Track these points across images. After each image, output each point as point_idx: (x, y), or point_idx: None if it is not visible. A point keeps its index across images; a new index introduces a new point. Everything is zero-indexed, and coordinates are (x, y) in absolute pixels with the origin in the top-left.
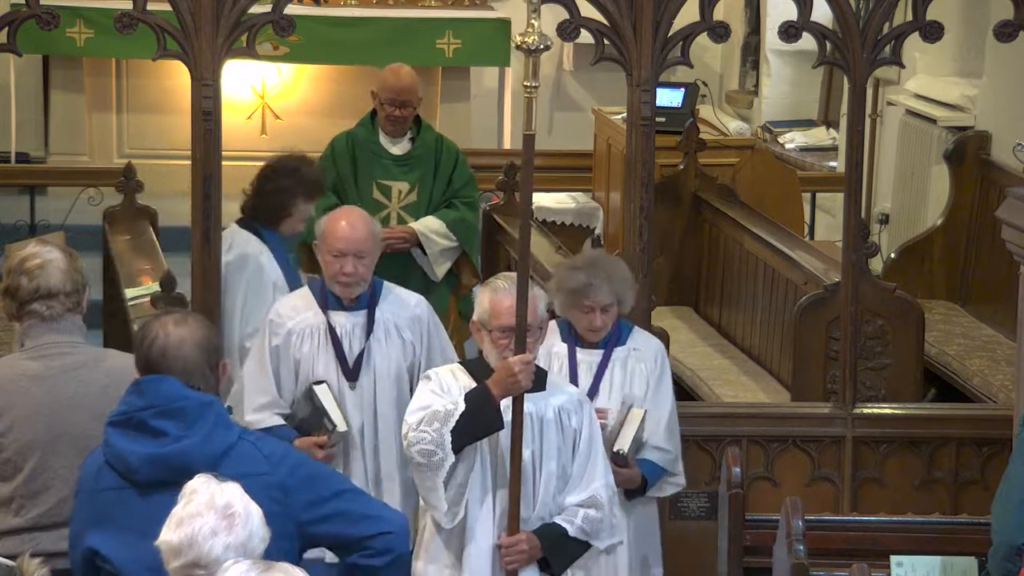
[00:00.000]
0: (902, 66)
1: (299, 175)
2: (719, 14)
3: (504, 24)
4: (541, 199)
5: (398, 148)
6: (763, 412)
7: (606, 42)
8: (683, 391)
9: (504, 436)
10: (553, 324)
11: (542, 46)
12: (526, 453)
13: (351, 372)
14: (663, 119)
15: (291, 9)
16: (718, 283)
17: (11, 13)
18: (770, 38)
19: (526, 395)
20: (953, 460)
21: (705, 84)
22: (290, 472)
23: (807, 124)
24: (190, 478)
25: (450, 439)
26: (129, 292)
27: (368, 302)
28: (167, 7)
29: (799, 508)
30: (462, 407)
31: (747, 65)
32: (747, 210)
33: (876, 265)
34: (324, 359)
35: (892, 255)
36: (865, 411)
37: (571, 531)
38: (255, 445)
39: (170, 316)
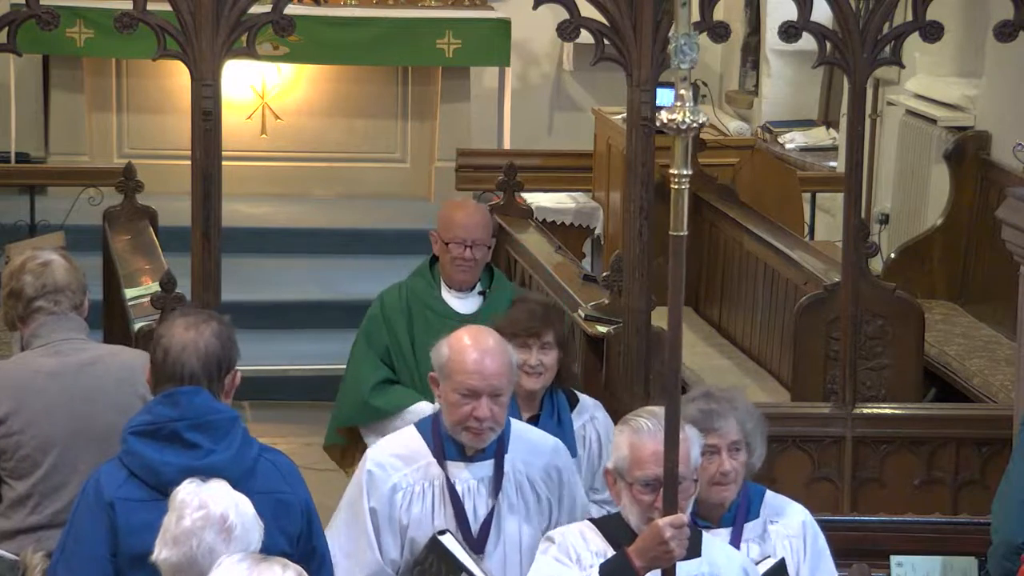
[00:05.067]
0: (902, 66)
1: None
2: (719, 14)
3: (504, 24)
4: (540, 199)
5: (465, 305)
6: (763, 412)
7: (606, 42)
8: (683, 391)
9: None
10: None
11: (695, 125)
12: None
13: (476, 542)
14: (666, 120)
15: (291, 9)
16: (718, 283)
17: (11, 13)
18: (770, 38)
19: (677, 565)
20: (953, 460)
21: (705, 84)
22: (303, 494)
23: (807, 124)
24: None
25: None
26: (129, 292)
27: (495, 450)
28: (167, 7)
29: None
30: None
31: (747, 65)
32: (747, 210)
33: (876, 265)
34: (440, 525)
35: (892, 255)
36: (865, 411)
37: None
38: (273, 463)
39: (183, 319)
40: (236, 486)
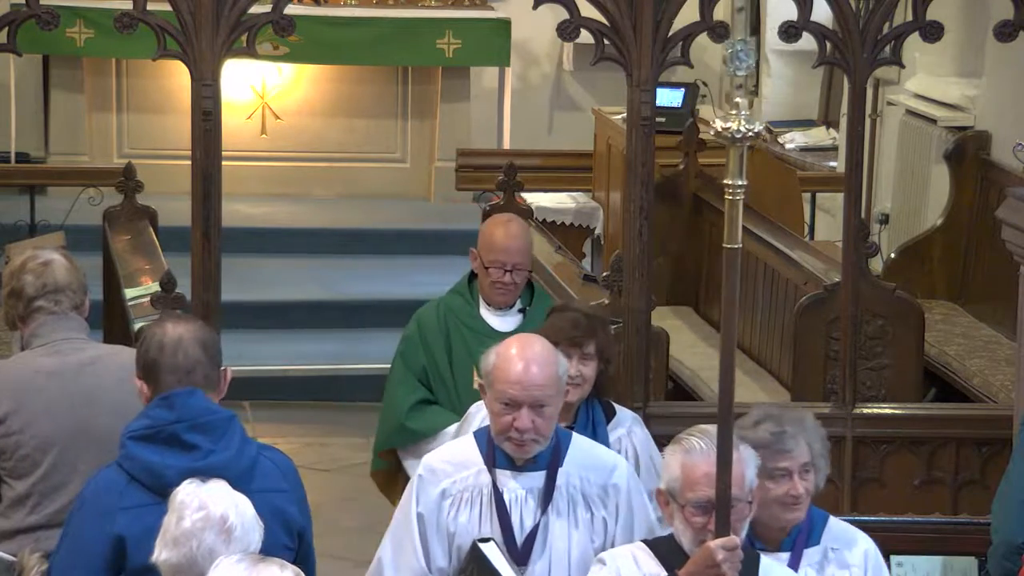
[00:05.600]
0: (902, 66)
1: None
2: (719, 14)
3: (504, 24)
4: (540, 199)
5: (505, 323)
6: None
7: (606, 42)
8: (683, 391)
9: None
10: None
11: (751, 133)
12: None
13: (520, 553)
14: (663, 119)
15: (291, 9)
16: (718, 283)
17: (12, 13)
18: (770, 38)
19: None
20: (953, 460)
21: (705, 84)
22: (302, 493)
23: (807, 124)
24: None
25: None
26: (129, 292)
27: (548, 461)
28: (167, 7)
29: None
30: None
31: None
32: (747, 210)
33: (876, 265)
34: (486, 533)
35: (892, 255)
36: (865, 411)
37: None
38: (272, 462)
39: (168, 317)
40: (236, 486)
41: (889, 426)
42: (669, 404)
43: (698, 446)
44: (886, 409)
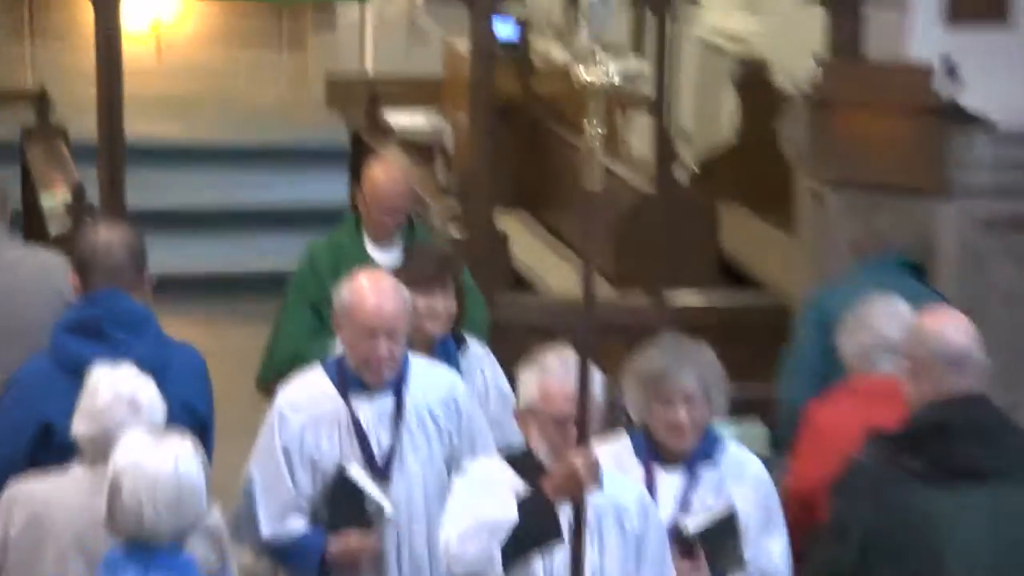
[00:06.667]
0: (695, 2)
1: None
2: None
3: None
4: (399, 119)
5: (388, 259)
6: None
7: None
8: (523, 283)
9: (562, 549)
10: (626, 441)
11: (610, 82)
12: (587, 567)
13: (380, 472)
14: (502, 49)
15: None
16: (551, 192)
17: None
18: None
19: None
20: (749, 342)
21: (535, 21)
22: (207, 382)
23: (621, 54)
24: None
25: (499, 555)
26: (46, 201)
27: (395, 386)
28: None
29: None
30: (513, 515)
31: (570, 2)
32: (573, 128)
33: (681, 176)
34: (346, 457)
35: (694, 168)
36: (677, 302)
37: None
38: (185, 356)
39: (103, 223)
40: (155, 375)
41: (696, 316)
42: (514, 295)
43: (554, 365)
44: (693, 299)
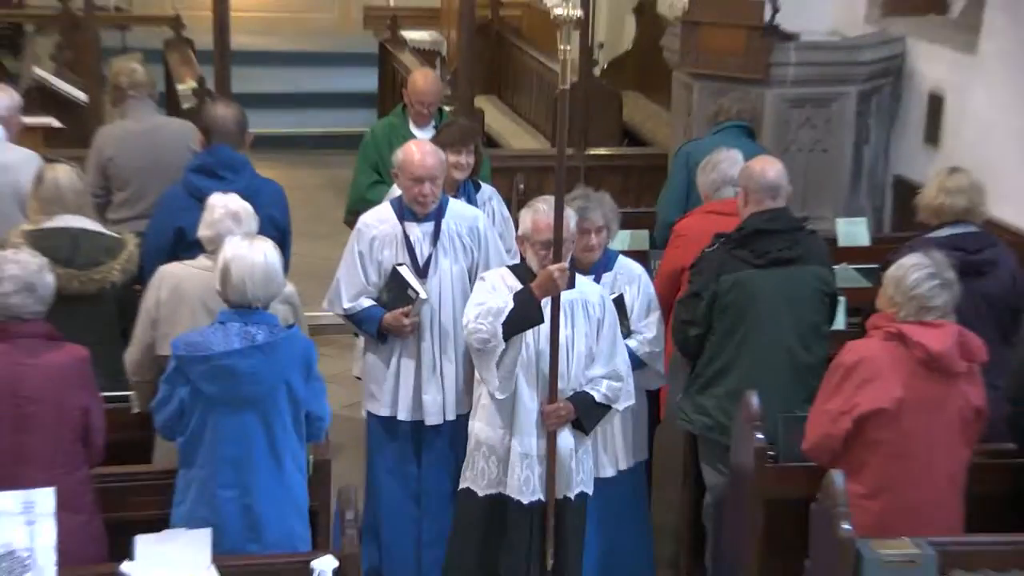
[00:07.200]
0: None
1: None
2: None
3: None
4: (410, 35)
5: (424, 134)
6: (538, 154)
7: None
8: (493, 142)
9: (544, 326)
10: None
11: (574, 16)
12: (560, 338)
13: (422, 271)
14: None
15: None
16: (511, 82)
17: None
18: None
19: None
20: (637, 179)
21: None
22: (285, 204)
23: None
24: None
25: (501, 330)
26: (180, 87)
27: (436, 215)
28: None
29: None
30: (511, 305)
31: None
32: (527, 40)
33: (598, 72)
34: (399, 260)
35: (605, 65)
36: (592, 152)
37: (598, 398)
38: (270, 186)
39: (217, 103)
40: (250, 200)
41: (603, 160)
42: (489, 150)
43: (542, 208)
44: (602, 151)
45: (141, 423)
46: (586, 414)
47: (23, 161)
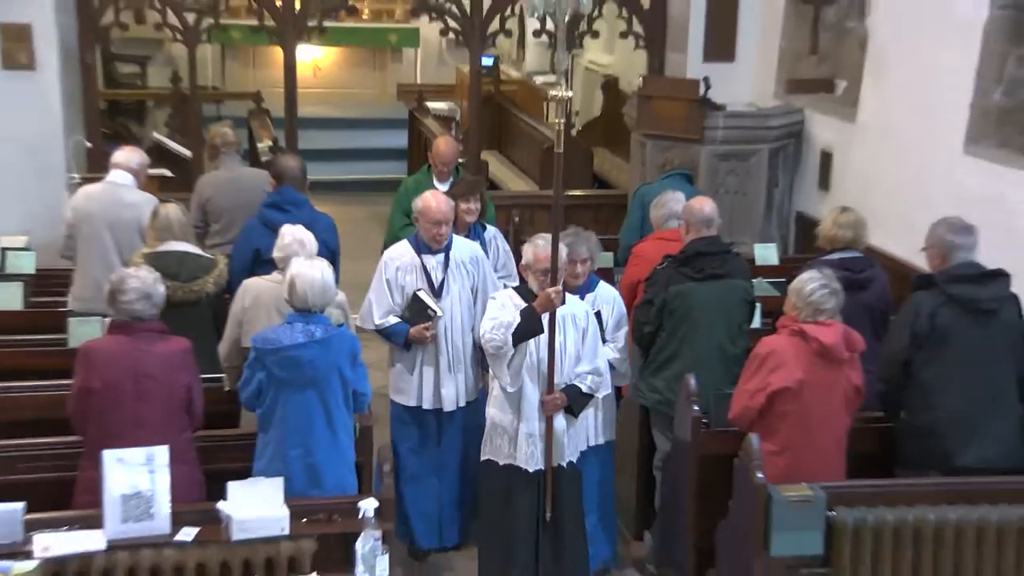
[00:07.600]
0: (582, 47)
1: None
2: (511, 23)
3: (416, 30)
4: (432, 105)
5: (444, 186)
6: (529, 194)
7: (454, 25)
8: (495, 187)
9: (543, 336)
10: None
11: (567, 97)
12: (556, 344)
13: (437, 292)
14: (486, 70)
15: (328, 23)
16: (510, 139)
17: None
18: (528, 34)
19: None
20: (608, 215)
21: (502, 55)
22: (334, 233)
23: (546, 73)
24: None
25: (511, 339)
26: (259, 144)
27: (446, 248)
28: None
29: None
30: (518, 319)
31: (519, 46)
32: (521, 108)
33: (575, 132)
34: (419, 285)
35: (580, 128)
36: (570, 193)
37: (584, 389)
38: (324, 219)
39: (286, 156)
40: (310, 228)
41: (579, 200)
42: (491, 193)
43: (541, 243)
44: (578, 192)
45: (230, 398)
46: (575, 402)
47: (144, 202)
